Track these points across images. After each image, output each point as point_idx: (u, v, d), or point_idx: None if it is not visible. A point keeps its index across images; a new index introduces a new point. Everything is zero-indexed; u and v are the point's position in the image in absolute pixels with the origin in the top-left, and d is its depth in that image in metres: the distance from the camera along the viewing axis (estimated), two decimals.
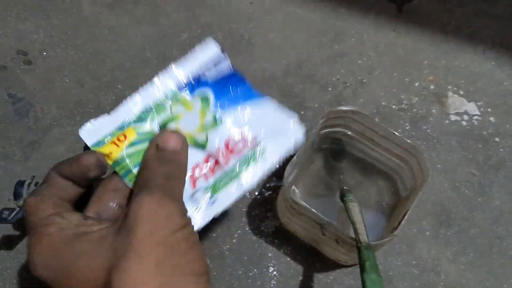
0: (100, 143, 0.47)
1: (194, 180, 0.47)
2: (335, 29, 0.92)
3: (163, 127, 0.48)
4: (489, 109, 0.85)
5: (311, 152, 0.75)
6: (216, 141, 0.49)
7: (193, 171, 0.47)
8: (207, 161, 0.48)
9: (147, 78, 0.85)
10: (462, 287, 0.71)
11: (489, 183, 0.78)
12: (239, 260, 0.72)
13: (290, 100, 0.85)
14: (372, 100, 0.85)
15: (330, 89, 0.86)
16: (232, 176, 0.48)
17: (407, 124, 0.83)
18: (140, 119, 0.48)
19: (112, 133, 0.48)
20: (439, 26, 0.93)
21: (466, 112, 0.84)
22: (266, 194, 0.77)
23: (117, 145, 0.47)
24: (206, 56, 0.53)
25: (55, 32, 0.90)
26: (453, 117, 0.84)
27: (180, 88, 0.51)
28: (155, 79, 0.52)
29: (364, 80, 0.87)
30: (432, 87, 0.86)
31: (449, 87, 0.87)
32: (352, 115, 0.70)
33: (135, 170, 0.46)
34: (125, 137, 0.47)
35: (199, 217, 0.46)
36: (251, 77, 0.86)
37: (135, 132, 0.47)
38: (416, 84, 0.87)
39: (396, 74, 0.88)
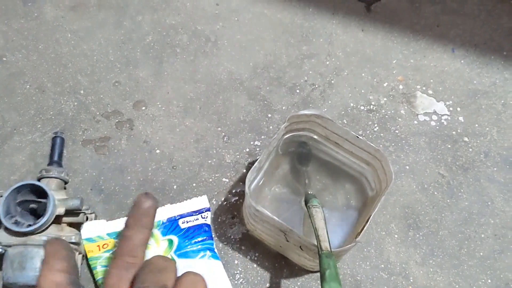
0: (91, 240, 0.67)
1: None
2: (303, 30, 0.91)
3: None
4: (458, 109, 0.84)
5: (276, 157, 0.74)
6: None
7: None
8: None
9: (111, 82, 0.84)
10: None
11: (458, 184, 0.78)
12: None
13: (257, 103, 0.83)
14: (341, 101, 0.84)
15: (298, 91, 0.84)
16: None
17: (376, 125, 0.82)
18: None
19: (102, 236, 0.67)
20: (408, 25, 0.92)
21: (435, 112, 0.83)
22: (233, 200, 0.76)
23: (99, 249, 0.67)
24: (195, 206, 0.71)
25: (16, 37, 0.87)
26: (421, 117, 0.83)
27: (159, 225, 0.69)
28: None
29: (332, 81, 0.85)
30: (401, 87, 0.85)
31: (418, 86, 0.86)
32: (316, 119, 0.68)
33: (99, 269, 0.66)
34: (107, 245, 0.67)
35: None
36: (218, 80, 0.85)
37: (115, 244, 0.63)
38: (385, 85, 0.86)
39: (364, 74, 0.86)
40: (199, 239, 0.69)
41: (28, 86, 0.83)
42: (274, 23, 0.91)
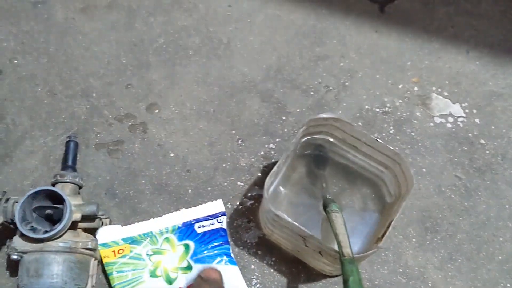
0: (106, 245, 0.67)
1: None
2: (316, 31, 0.90)
3: (153, 255, 0.68)
4: (474, 111, 0.83)
5: (293, 160, 0.73)
6: (182, 282, 0.66)
7: None
8: None
9: (123, 85, 0.83)
10: None
11: (475, 187, 0.77)
12: None
13: (271, 106, 0.82)
14: (355, 103, 0.83)
15: (312, 93, 0.84)
16: None
17: (391, 127, 0.81)
18: (137, 241, 0.68)
19: (117, 242, 0.68)
20: (422, 26, 0.91)
21: (450, 114, 0.83)
22: (248, 203, 0.75)
23: (115, 254, 0.67)
24: (210, 211, 0.71)
25: (26, 40, 0.86)
26: (437, 120, 0.82)
27: (174, 230, 0.69)
28: (162, 217, 0.71)
29: (346, 84, 0.85)
30: (416, 89, 0.85)
31: (433, 88, 0.85)
32: (334, 122, 0.68)
33: (115, 275, 0.66)
34: (123, 250, 0.68)
35: None
36: (231, 82, 0.84)
37: (130, 249, 0.68)
38: (400, 86, 0.85)
39: (379, 76, 0.86)
40: (216, 244, 0.69)
41: (39, 89, 0.82)
42: (287, 24, 0.90)
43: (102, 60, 0.85)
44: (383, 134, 0.80)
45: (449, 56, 0.88)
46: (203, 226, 0.70)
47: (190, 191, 0.75)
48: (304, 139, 0.72)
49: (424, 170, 0.78)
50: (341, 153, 0.73)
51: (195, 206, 0.72)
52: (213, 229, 0.69)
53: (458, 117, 0.83)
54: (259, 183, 0.76)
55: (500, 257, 0.72)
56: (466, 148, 0.80)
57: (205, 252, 0.68)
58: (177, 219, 0.70)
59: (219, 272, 0.66)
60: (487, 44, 0.89)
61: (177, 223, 0.70)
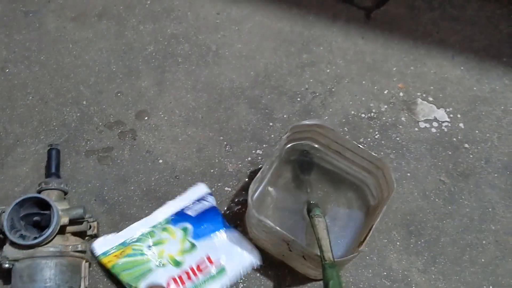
0: (106, 253, 0.69)
1: None
2: (303, 38, 0.91)
3: (153, 246, 0.70)
4: (459, 115, 0.84)
5: (279, 165, 0.74)
6: (190, 262, 0.69)
7: (168, 285, 0.67)
8: (180, 277, 0.68)
9: (113, 93, 0.85)
10: None
11: (459, 190, 0.78)
12: None
13: (259, 112, 0.84)
14: (342, 109, 0.84)
15: (299, 99, 0.85)
16: (199, 287, 0.68)
17: (377, 132, 0.82)
18: (138, 240, 0.70)
19: (117, 247, 0.69)
20: (408, 32, 0.92)
21: (435, 119, 0.84)
22: (235, 209, 0.76)
23: (117, 257, 0.68)
24: (195, 195, 0.75)
25: (18, 48, 0.88)
26: (422, 124, 0.83)
27: (168, 220, 0.72)
28: (152, 214, 0.73)
29: (333, 89, 0.86)
30: (401, 94, 0.86)
31: (418, 94, 0.86)
32: (317, 129, 0.69)
33: (124, 273, 0.67)
34: (124, 252, 0.69)
35: None
36: (219, 89, 0.85)
37: (131, 248, 0.69)
38: (385, 92, 0.86)
39: (365, 82, 0.87)
40: (211, 220, 0.72)
41: (30, 97, 0.83)
42: (274, 32, 0.92)
43: (92, 68, 0.87)
44: (369, 139, 0.82)
45: (434, 61, 0.89)
46: (195, 210, 0.73)
47: (178, 196, 0.76)
48: (289, 145, 0.73)
49: (408, 174, 0.79)
50: (326, 158, 0.74)
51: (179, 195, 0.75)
52: (205, 210, 0.73)
53: (443, 121, 0.84)
54: (247, 188, 0.77)
55: (483, 260, 0.73)
56: (450, 153, 0.81)
57: (203, 226, 0.72)
58: (167, 211, 0.73)
59: None
60: (472, 49, 0.91)
61: (167, 215, 0.73)
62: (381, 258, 0.73)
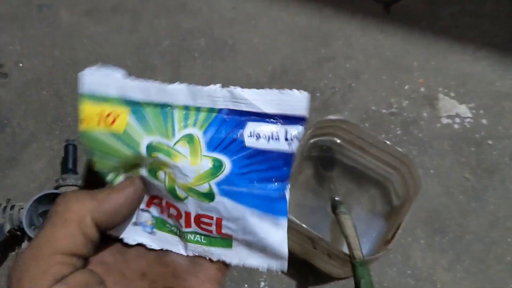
0: (93, 96, 0.33)
1: (150, 202, 0.37)
2: (321, 32, 0.89)
3: (150, 151, 0.33)
4: (481, 111, 0.83)
5: (300, 162, 0.73)
6: (191, 207, 0.35)
7: (154, 198, 0.36)
8: (174, 207, 0.36)
9: None
10: None
11: (483, 187, 0.77)
12: (229, 276, 0.69)
13: None
14: (362, 105, 0.83)
15: (318, 94, 0.83)
16: (179, 234, 0.37)
17: (398, 128, 0.81)
18: (141, 115, 0.34)
19: (110, 97, 0.33)
20: (428, 27, 0.91)
21: (457, 115, 0.82)
22: None
23: (99, 122, 0.33)
24: (284, 109, 0.33)
25: (32, 43, 0.86)
26: (444, 120, 0.82)
27: (210, 118, 0.33)
28: (198, 86, 0.33)
29: (352, 85, 0.84)
30: (422, 89, 0.84)
31: (440, 89, 0.85)
32: (341, 124, 0.67)
33: (96, 158, 0.33)
34: (114, 120, 0.34)
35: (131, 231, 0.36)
36: (236, 84, 0.83)
37: (125, 125, 0.33)
38: (406, 87, 0.84)
39: (385, 77, 0.85)
40: (268, 176, 0.34)
41: (45, 93, 0.82)
42: (291, 26, 0.90)
43: (107, 62, 0.85)
44: (390, 135, 0.80)
45: (455, 56, 0.88)
46: (259, 137, 0.34)
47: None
48: (311, 141, 0.71)
49: (431, 171, 0.78)
50: (348, 154, 0.73)
51: None
52: (274, 151, 0.33)
53: (465, 117, 0.82)
54: None
55: (508, 258, 0.72)
56: (473, 149, 0.80)
57: (243, 187, 0.35)
58: (220, 98, 0.33)
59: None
60: (493, 44, 0.89)
61: (221, 105, 0.33)
62: (405, 256, 0.71)
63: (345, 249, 0.57)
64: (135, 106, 0.34)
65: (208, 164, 0.34)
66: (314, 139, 0.71)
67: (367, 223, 0.71)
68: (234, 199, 0.35)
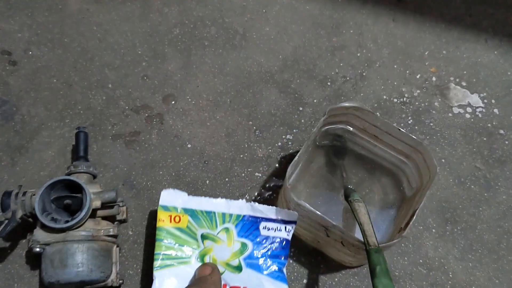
0: (165, 207, 0.62)
1: None
2: (332, 21, 0.89)
3: (203, 238, 0.62)
4: (493, 101, 0.82)
5: (311, 150, 0.72)
6: (227, 279, 0.60)
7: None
8: None
9: (139, 76, 0.83)
10: (471, 285, 0.69)
11: (495, 177, 0.76)
12: None
13: (288, 96, 0.82)
14: (373, 94, 0.82)
15: (329, 83, 0.83)
16: None
17: (410, 118, 0.80)
18: (197, 217, 0.62)
19: (176, 208, 0.62)
20: (439, 15, 0.90)
21: (469, 104, 0.82)
22: (266, 194, 0.74)
23: (170, 221, 0.62)
24: (282, 216, 0.63)
25: (41, 31, 0.86)
26: (456, 110, 0.81)
27: (238, 220, 0.62)
28: (230, 200, 0.63)
29: (364, 74, 0.84)
30: (434, 79, 0.84)
31: (451, 78, 0.84)
32: (354, 111, 0.67)
33: (164, 243, 0.61)
34: (180, 220, 0.62)
35: None
36: (247, 73, 0.83)
37: (187, 223, 0.62)
38: (417, 76, 0.84)
39: (396, 66, 0.85)
40: (274, 254, 0.63)
41: (55, 80, 0.82)
42: (303, 14, 0.89)
43: (117, 51, 0.85)
44: (402, 125, 0.80)
45: (467, 45, 0.87)
46: (269, 229, 0.63)
47: (207, 182, 0.75)
48: (323, 128, 0.71)
49: (443, 160, 0.77)
50: (360, 143, 0.72)
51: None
52: (277, 237, 0.63)
53: (477, 107, 0.82)
54: (277, 174, 0.75)
55: None
56: (485, 139, 0.79)
57: (261, 259, 0.62)
58: (245, 208, 0.63)
59: (212, 266, 0.59)
60: (506, 33, 0.88)
61: (245, 213, 0.63)
62: (416, 245, 0.71)
63: (358, 236, 0.57)
64: (192, 212, 0.62)
65: (238, 245, 0.62)
66: (326, 127, 0.71)
67: (379, 211, 0.71)
68: (255, 269, 0.61)
